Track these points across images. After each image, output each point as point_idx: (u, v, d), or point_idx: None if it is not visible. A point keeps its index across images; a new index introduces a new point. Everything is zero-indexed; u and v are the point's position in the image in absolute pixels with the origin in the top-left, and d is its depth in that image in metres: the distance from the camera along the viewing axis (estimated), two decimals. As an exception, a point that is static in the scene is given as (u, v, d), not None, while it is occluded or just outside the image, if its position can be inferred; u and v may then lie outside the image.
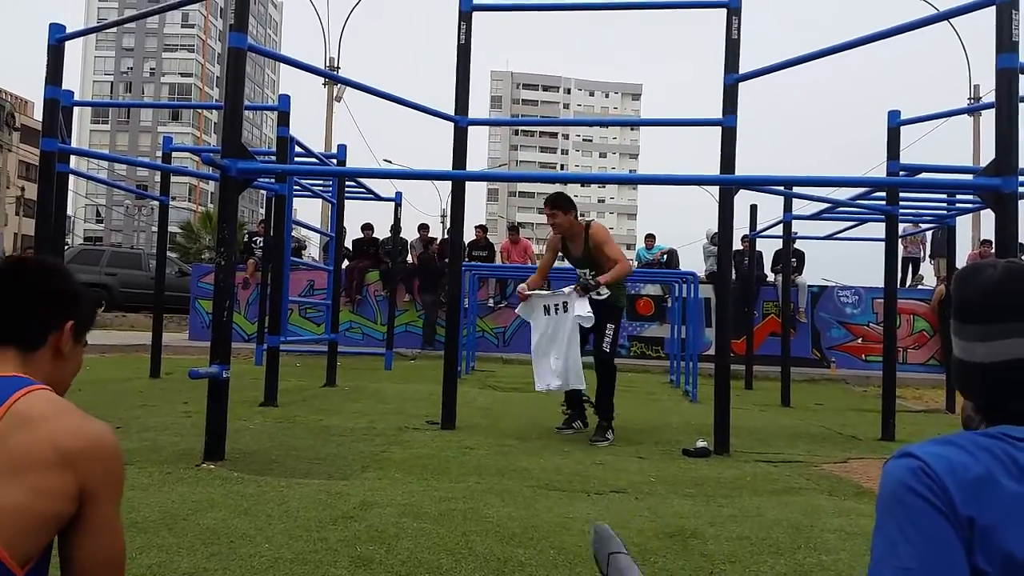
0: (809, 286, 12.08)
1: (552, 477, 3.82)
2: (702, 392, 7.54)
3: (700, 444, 4.58)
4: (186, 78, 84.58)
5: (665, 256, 12.87)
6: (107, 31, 76.43)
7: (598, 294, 5.17)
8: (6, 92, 62.64)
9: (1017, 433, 0.94)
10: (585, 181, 5.13)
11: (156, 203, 9.36)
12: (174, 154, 9.20)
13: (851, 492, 3.75)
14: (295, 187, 6.91)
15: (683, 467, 4.22)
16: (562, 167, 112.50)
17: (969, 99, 21.29)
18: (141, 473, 3.54)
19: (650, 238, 13.31)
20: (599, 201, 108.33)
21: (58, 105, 5.34)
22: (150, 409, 5.55)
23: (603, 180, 5.22)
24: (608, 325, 5.22)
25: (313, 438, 4.65)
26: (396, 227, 11.04)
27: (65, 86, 5.46)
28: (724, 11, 4.96)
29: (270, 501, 3.12)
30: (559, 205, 5.20)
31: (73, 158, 7.27)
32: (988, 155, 4.31)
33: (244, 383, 6.69)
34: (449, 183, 6.23)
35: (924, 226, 10.72)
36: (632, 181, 5.04)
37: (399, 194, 10.67)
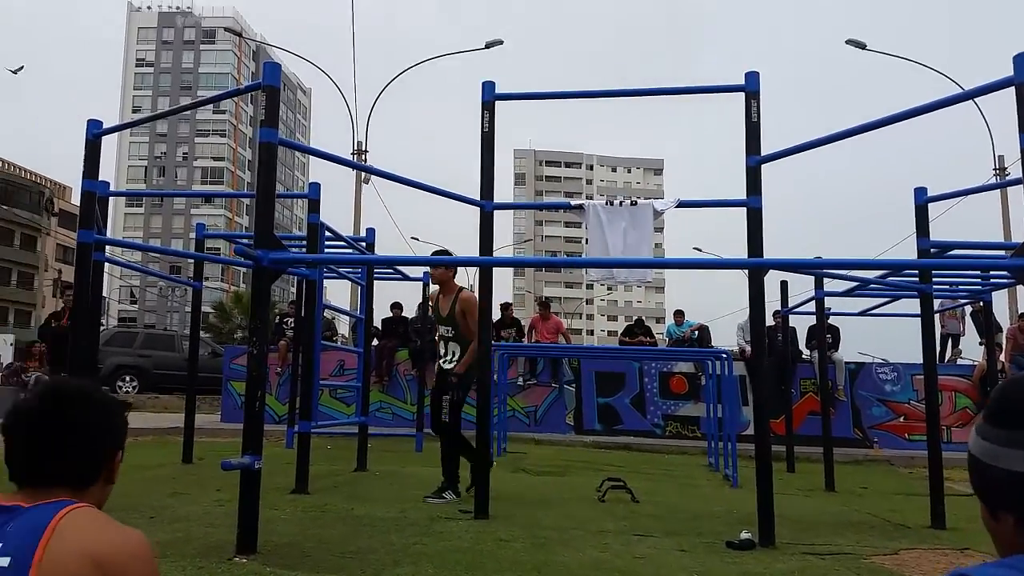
0: (846, 363, 11.87)
1: (591, 573, 3.69)
2: (743, 475, 7.33)
3: (744, 536, 4.41)
4: (218, 162, 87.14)
5: (696, 333, 12.75)
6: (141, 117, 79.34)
7: (448, 363, 5.85)
8: (46, 179, 65.07)
9: None
10: (609, 266, 5.11)
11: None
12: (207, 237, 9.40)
13: (906, 588, 3.58)
14: (325, 270, 7.00)
15: (728, 561, 4.06)
16: (588, 182, 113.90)
17: (994, 169, 21.25)
18: (173, 568, 3.47)
19: (679, 314, 13.23)
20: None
21: (95, 197, 5.47)
22: (182, 497, 5.49)
23: (630, 264, 5.19)
24: (444, 397, 5.85)
25: (344, 528, 4.56)
26: (424, 306, 11.09)
27: (101, 171, 5.56)
28: (743, 95, 5.02)
29: (304, 602, 3.03)
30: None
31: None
32: (1017, 225, 4.29)
33: (275, 467, 6.62)
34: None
35: (961, 301, 10.55)
36: (660, 266, 5.02)
37: (427, 274, 10.75)
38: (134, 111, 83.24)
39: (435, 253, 6.19)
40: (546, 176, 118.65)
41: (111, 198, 8.40)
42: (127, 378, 17.47)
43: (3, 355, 25.03)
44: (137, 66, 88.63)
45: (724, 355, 8.78)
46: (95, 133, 5.30)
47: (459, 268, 7.37)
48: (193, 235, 9.16)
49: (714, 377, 9.41)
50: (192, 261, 8.85)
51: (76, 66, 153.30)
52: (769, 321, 10.61)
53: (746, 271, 5.10)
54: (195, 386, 8.44)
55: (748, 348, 11.06)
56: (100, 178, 5.72)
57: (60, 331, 8.91)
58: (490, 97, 5.38)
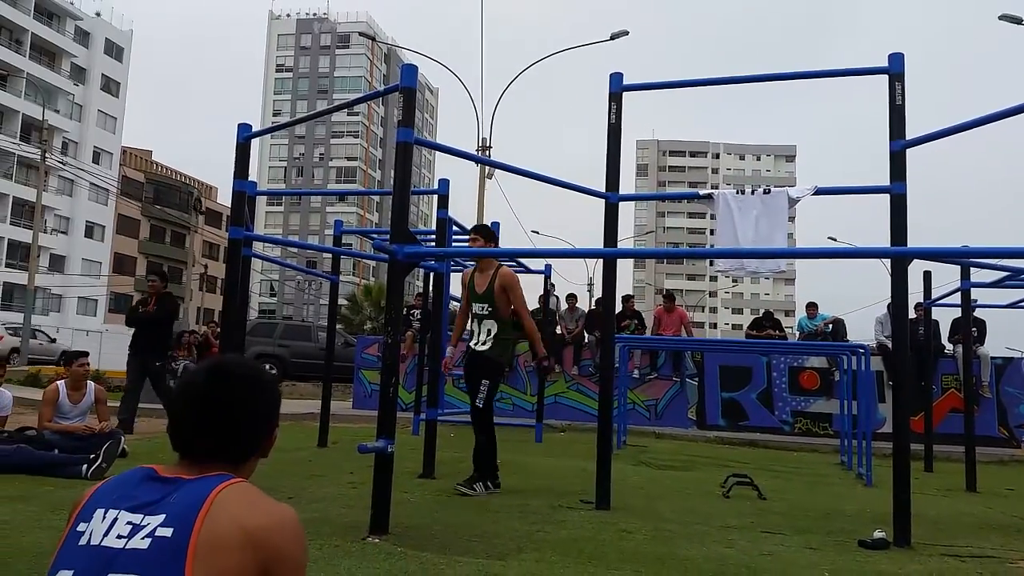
0: (992, 358, 11.10)
1: (716, 569, 3.65)
2: (877, 474, 7.03)
3: (878, 535, 4.24)
4: (351, 162, 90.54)
5: (830, 326, 12.26)
6: (281, 121, 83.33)
7: (482, 344, 5.44)
8: (194, 179, 69.77)
9: None
10: (737, 256, 5.00)
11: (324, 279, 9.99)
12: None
13: (1061, 598, 3.35)
14: (452, 263, 7.22)
15: (860, 560, 3.92)
16: (714, 171, 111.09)
17: None
18: (311, 546, 3.68)
19: (812, 307, 12.73)
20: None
21: (244, 196, 5.85)
22: (319, 479, 5.81)
23: (758, 255, 5.08)
24: (483, 381, 5.39)
25: (470, 513, 4.70)
26: (545, 298, 11.20)
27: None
28: (886, 77, 4.82)
29: (433, 580, 3.16)
30: (481, 233, 5.68)
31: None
32: None
33: (403, 453, 6.85)
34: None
35: None
36: (796, 255, 4.85)
37: (548, 267, 10.88)
38: (274, 115, 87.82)
39: (475, 228, 5.92)
40: (669, 166, 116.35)
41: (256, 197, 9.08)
42: (267, 366, 18.54)
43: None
44: (277, 71, 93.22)
45: (862, 349, 8.43)
46: (245, 136, 5.66)
47: (584, 260, 7.31)
48: (328, 232, 9.65)
49: (849, 372, 9.04)
50: (327, 256, 9.28)
51: (220, 74, 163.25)
52: (911, 314, 10.05)
53: (888, 261, 4.89)
54: (331, 376, 8.87)
55: (887, 342, 10.54)
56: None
57: (146, 317, 8.61)
58: (617, 88, 5.36)
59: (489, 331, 5.51)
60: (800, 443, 10.82)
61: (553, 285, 13.77)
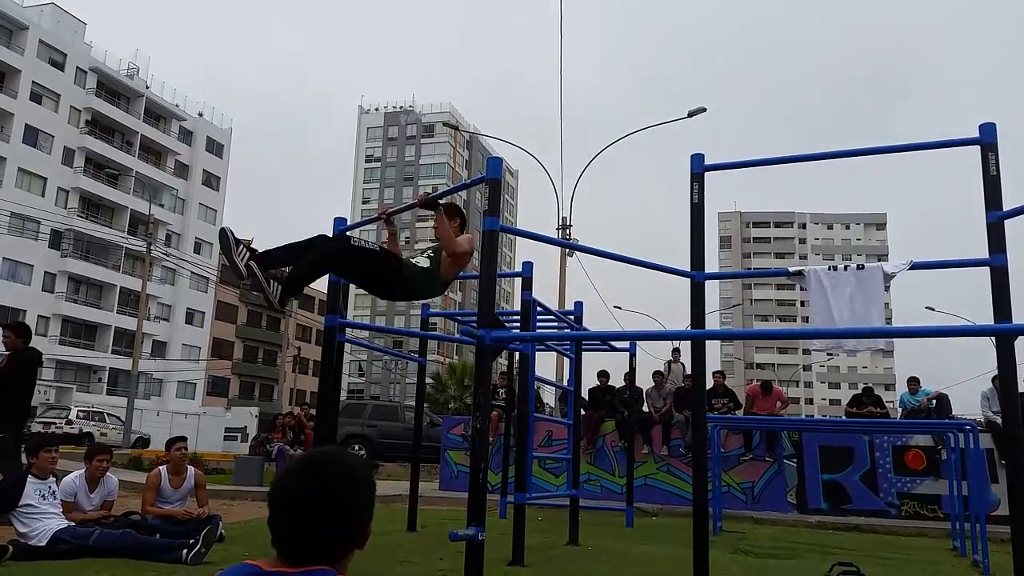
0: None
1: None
2: (995, 561, 6.56)
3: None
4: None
5: (934, 402, 11.66)
6: (370, 207, 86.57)
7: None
8: (289, 265, 72.73)
9: None
10: (829, 336, 4.88)
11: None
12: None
13: None
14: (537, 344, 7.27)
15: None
16: (801, 241, 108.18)
17: None
18: (404, 634, 3.68)
19: (913, 382, 12.16)
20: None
21: (340, 285, 6.10)
22: (409, 566, 5.80)
23: (851, 335, 4.93)
24: (377, 270, 4.74)
25: (562, 603, 4.60)
26: (631, 376, 11.06)
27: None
28: (978, 148, 4.70)
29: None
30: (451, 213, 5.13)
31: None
32: None
33: (492, 537, 6.74)
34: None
35: None
36: (886, 335, 4.63)
37: (633, 344, 10.75)
38: (363, 202, 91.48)
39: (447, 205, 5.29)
40: (754, 238, 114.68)
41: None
42: (356, 447, 18.81)
43: (249, 427, 27.56)
44: (366, 162, 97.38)
45: (968, 426, 8.00)
46: (340, 229, 5.93)
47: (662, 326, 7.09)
48: (414, 312, 9.88)
49: (957, 451, 8.55)
50: (417, 341, 9.48)
51: (313, 165, 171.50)
52: (1021, 387, 9.47)
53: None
54: (419, 458, 8.91)
55: (996, 418, 9.96)
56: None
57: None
58: (699, 169, 5.36)
59: (425, 256, 5.14)
60: (908, 527, 10.21)
61: (678, 350, 13.81)
